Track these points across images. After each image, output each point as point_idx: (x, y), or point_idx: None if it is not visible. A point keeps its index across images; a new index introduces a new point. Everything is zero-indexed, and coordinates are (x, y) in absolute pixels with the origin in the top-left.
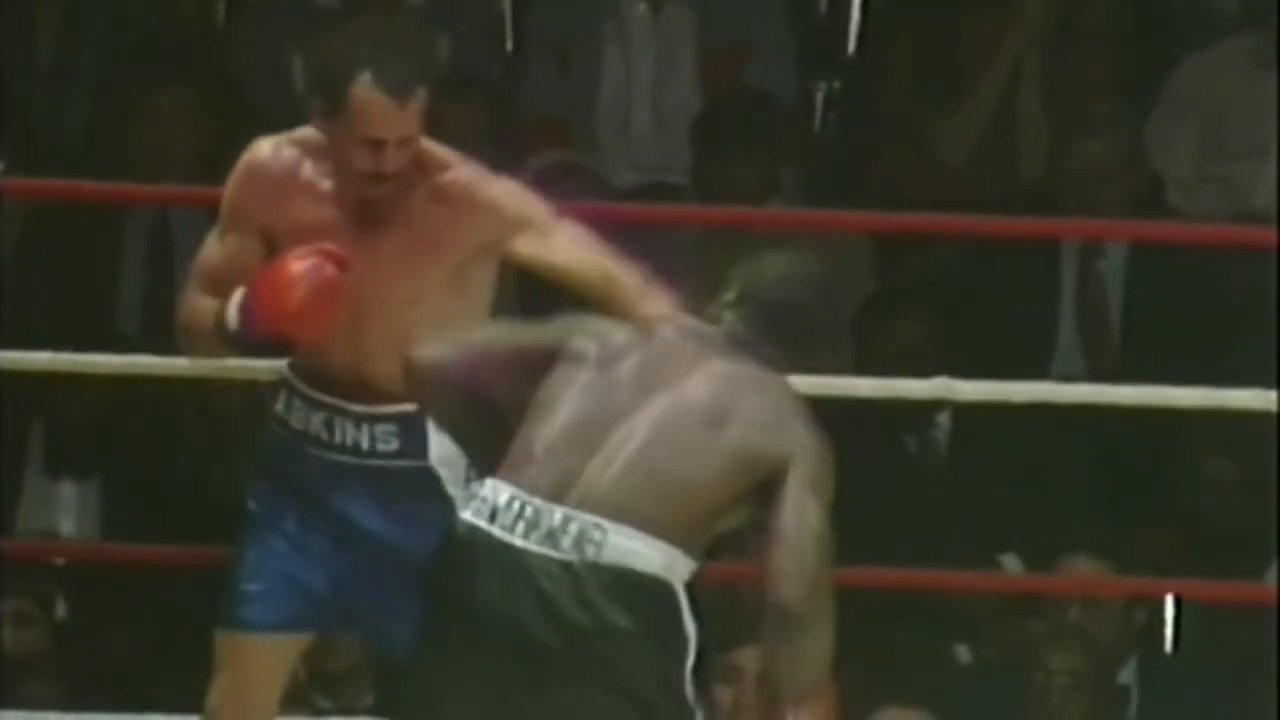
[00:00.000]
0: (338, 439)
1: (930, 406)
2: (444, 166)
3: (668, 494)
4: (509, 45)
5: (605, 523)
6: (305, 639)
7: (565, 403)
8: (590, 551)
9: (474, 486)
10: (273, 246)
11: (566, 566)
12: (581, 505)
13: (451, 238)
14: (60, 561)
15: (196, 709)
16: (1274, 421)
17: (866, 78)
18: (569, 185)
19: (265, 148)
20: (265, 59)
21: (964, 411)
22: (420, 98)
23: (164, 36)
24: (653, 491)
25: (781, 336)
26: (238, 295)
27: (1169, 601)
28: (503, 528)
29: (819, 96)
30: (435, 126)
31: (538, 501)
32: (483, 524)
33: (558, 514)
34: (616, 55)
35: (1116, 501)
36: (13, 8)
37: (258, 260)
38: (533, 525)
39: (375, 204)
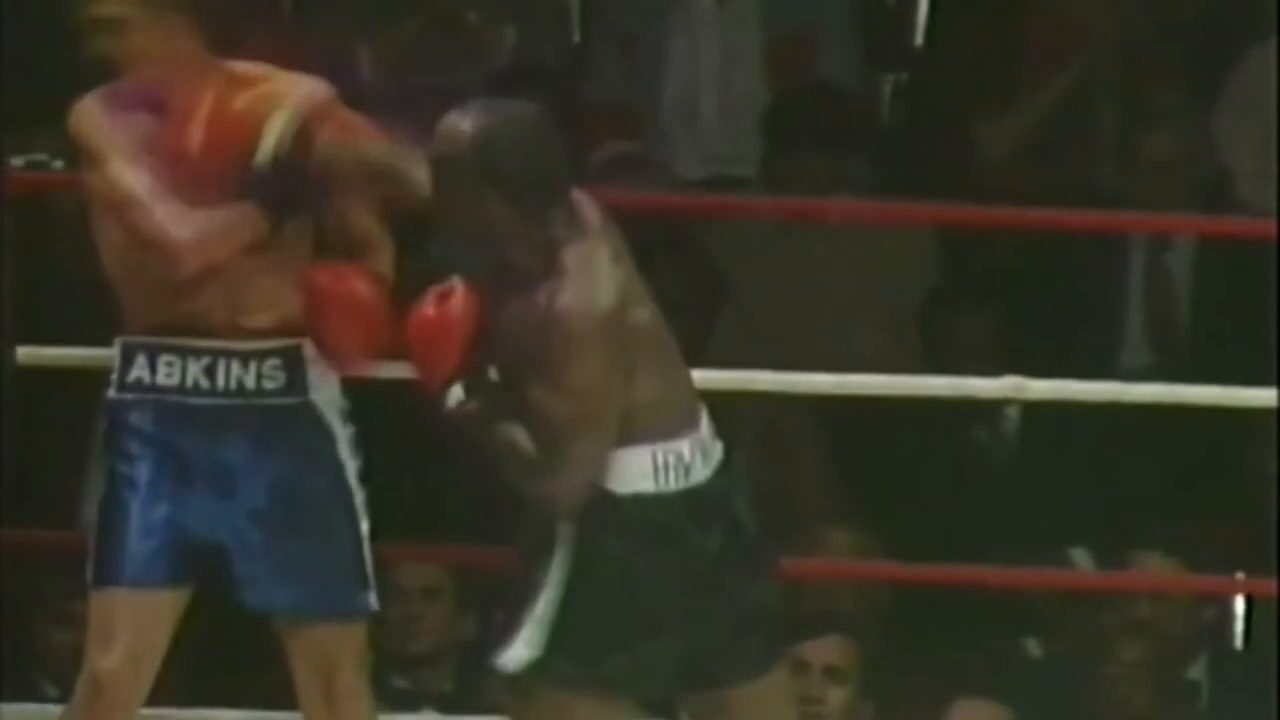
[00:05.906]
0: (220, 383)
1: (999, 399)
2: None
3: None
4: (576, 36)
5: (705, 422)
6: (184, 596)
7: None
8: (717, 452)
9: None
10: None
11: (719, 480)
12: (692, 425)
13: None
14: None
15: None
16: None
17: (934, 69)
18: (636, 177)
19: (95, 95)
20: (331, 46)
21: (1033, 404)
22: None
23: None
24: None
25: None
26: None
27: (1239, 598)
28: (676, 480)
29: (886, 88)
30: None
31: (672, 445)
32: (653, 489)
33: (685, 446)
34: (683, 45)
35: (1187, 496)
36: None
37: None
38: (681, 467)
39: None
